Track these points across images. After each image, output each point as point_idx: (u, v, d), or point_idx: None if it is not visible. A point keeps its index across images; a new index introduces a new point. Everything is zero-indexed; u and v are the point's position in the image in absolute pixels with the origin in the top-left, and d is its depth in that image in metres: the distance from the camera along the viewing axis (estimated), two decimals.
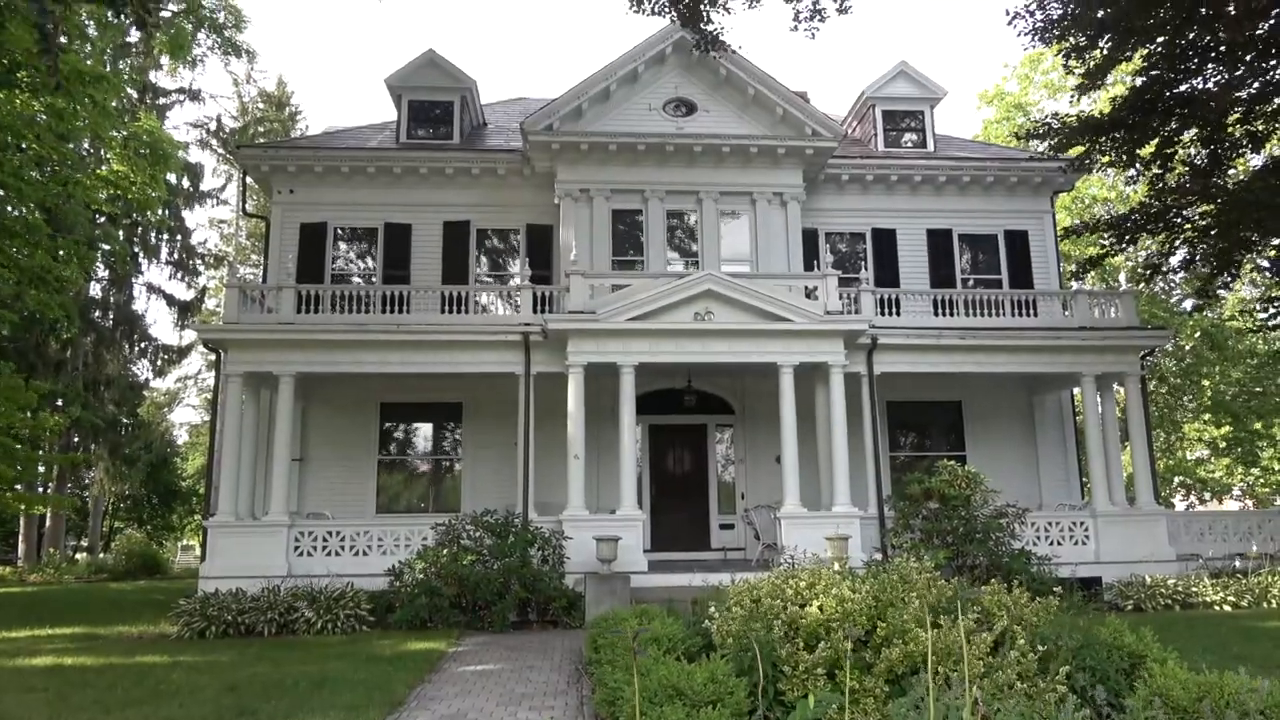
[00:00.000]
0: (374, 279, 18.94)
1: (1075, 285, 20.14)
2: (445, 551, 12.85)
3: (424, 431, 18.97)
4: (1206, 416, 37.52)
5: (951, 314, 16.95)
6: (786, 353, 15.20)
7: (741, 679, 6.23)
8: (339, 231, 19.41)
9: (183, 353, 36.01)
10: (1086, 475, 20.80)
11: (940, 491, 13.59)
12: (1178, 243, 15.25)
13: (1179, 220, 14.64)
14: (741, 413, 19.07)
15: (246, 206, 27.50)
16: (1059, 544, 15.75)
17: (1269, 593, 14.78)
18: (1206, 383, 36.46)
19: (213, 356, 19.13)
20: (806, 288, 15.78)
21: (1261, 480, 38.76)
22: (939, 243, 20.36)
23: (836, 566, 13.91)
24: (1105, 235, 16.15)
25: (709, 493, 18.94)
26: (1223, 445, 37.89)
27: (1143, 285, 32.81)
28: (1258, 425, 36.65)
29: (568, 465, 14.90)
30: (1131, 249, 17.23)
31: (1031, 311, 17.18)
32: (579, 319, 14.92)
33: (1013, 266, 20.20)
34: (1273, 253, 15.29)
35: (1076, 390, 19.95)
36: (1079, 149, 15.84)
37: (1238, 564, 15.90)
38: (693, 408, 18.37)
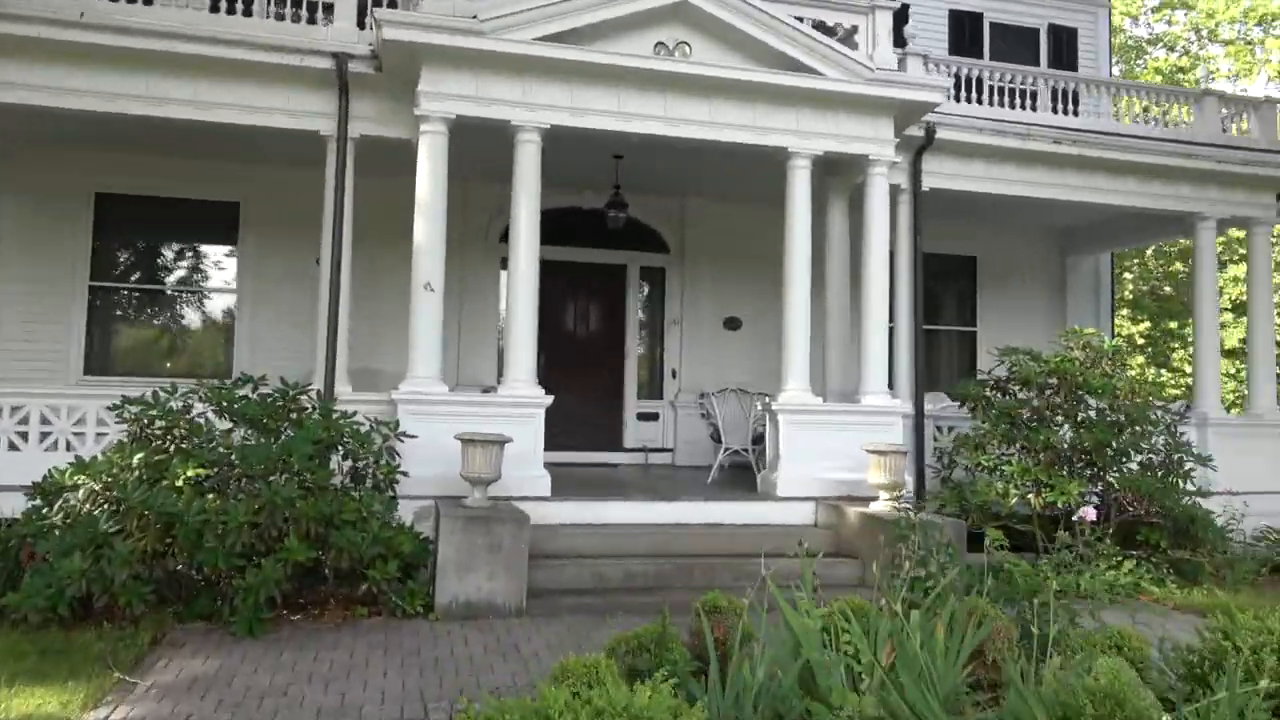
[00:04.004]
0: None
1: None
2: (138, 458, 6.05)
3: (176, 249, 11.69)
4: (1124, 312, 34.59)
5: (1019, 107, 10.96)
6: (805, 131, 8.82)
7: None
8: None
9: None
10: None
11: (1073, 376, 7.84)
12: None
13: None
14: (679, 250, 12.84)
15: None
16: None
17: None
18: (1129, 275, 33.23)
19: None
20: (839, 28, 9.30)
21: (1172, 381, 36.48)
22: (965, 30, 14.35)
23: (885, 500, 8.09)
24: None
25: (624, 368, 12.79)
26: (1140, 342, 35.21)
27: None
28: (1172, 324, 34.06)
29: (411, 305, 8.21)
30: None
31: (1115, 117, 11.43)
32: (444, 25, 7.94)
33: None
34: None
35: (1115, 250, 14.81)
36: None
37: None
38: (615, 235, 11.96)
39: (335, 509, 5.95)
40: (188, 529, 5.63)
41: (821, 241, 9.96)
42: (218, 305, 11.65)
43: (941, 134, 9.83)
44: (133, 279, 11.47)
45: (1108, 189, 10.75)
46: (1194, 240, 11.34)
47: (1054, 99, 10.87)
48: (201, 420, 6.71)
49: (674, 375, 12.77)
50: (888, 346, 9.24)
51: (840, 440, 8.60)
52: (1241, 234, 24.04)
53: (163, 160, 10.71)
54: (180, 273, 11.62)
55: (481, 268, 11.98)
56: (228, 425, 6.63)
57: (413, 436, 7.24)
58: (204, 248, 11.58)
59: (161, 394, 6.51)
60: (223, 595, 5.96)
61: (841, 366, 9.89)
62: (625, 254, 12.66)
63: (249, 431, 6.53)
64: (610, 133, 8.60)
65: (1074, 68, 14.48)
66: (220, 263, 11.62)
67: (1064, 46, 14.67)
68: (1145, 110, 11.42)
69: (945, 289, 13.91)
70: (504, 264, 12.09)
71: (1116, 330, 34.27)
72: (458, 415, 7.77)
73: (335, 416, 6.92)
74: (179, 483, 5.90)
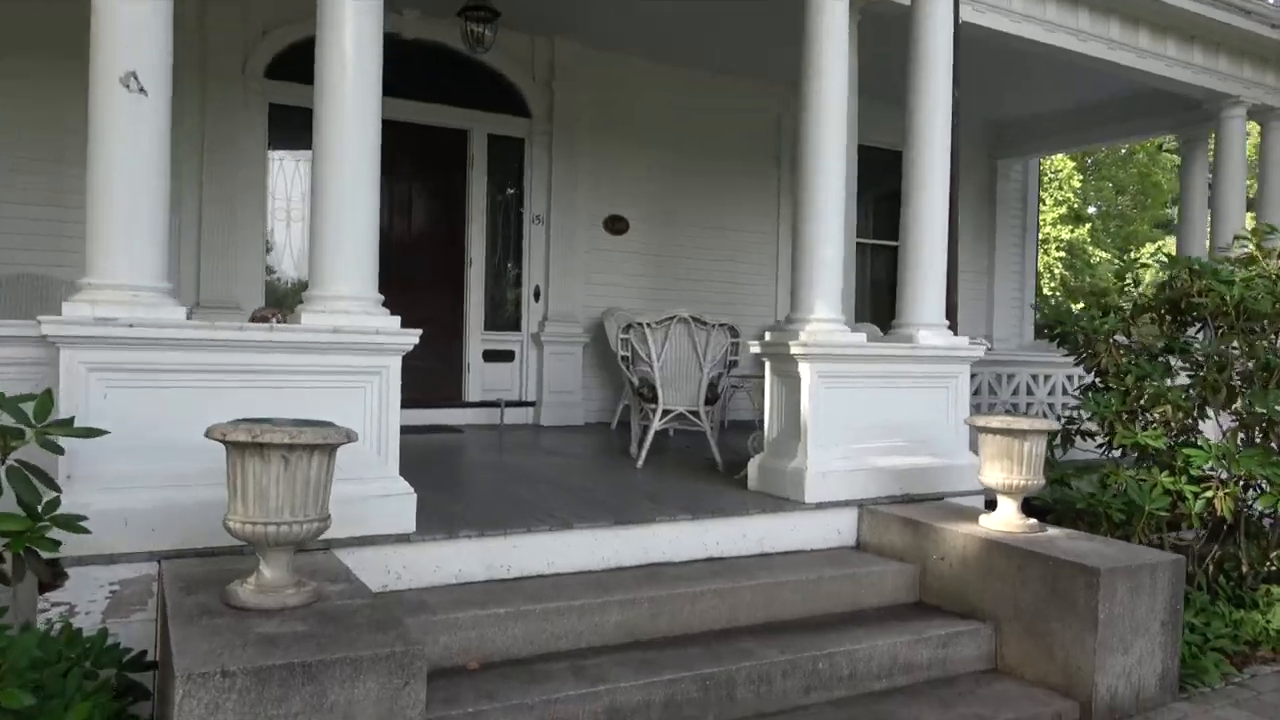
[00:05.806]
0: None
1: None
2: None
3: None
4: None
5: None
6: None
7: None
8: None
9: None
10: (1038, 294, 14.01)
11: None
12: None
13: None
14: (546, 115, 8.83)
15: None
16: None
17: None
18: None
19: None
20: None
21: None
22: None
23: (1010, 512, 4.71)
24: None
25: (465, 283, 8.79)
26: None
27: None
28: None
29: (92, 129, 3.69)
30: None
31: None
32: None
33: None
34: None
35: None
36: None
37: None
38: (451, 86, 7.90)
39: None
40: None
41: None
42: None
43: None
44: None
45: (1147, 51, 7.94)
46: (1218, 134, 8.88)
47: None
48: None
49: (537, 296, 8.88)
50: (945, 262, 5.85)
51: (887, 403, 5.22)
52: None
53: None
54: None
55: (235, 122, 7.40)
56: None
57: (102, 432, 2.94)
58: None
59: None
60: None
61: (845, 284, 6.45)
62: (466, 114, 8.51)
63: None
64: None
65: None
66: None
67: None
68: None
69: (876, 199, 10.85)
70: (274, 116, 7.77)
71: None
72: (211, 372, 3.51)
73: None
74: None
